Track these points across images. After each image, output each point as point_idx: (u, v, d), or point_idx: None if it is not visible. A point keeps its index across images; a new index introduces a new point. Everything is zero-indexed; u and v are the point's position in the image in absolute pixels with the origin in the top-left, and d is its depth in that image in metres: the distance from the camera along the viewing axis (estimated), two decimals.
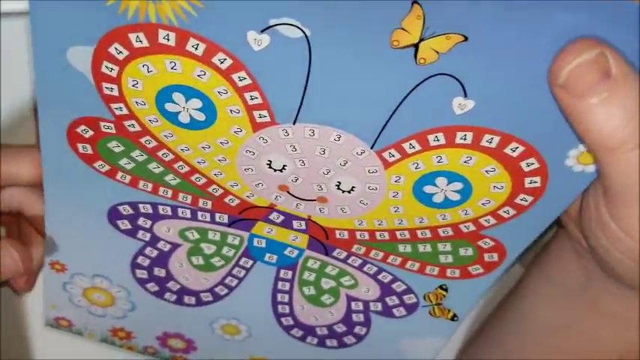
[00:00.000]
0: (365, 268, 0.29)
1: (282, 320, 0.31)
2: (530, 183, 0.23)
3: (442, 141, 0.22)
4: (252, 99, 0.22)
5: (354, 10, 0.18)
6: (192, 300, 0.31)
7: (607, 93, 0.18)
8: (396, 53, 0.19)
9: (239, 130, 0.23)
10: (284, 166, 0.24)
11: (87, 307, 0.32)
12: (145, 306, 0.32)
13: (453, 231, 0.26)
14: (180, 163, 0.25)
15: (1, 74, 0.28)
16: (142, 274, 0.30)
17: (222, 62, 0.20)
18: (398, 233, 0.26)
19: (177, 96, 0.22)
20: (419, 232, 0.26)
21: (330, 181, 0.25)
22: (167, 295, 0.31)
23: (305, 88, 0.21)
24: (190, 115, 0.23)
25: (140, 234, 0.28)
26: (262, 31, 0.20)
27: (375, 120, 0.22)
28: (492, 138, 0.22)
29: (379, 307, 0.30)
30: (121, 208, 0.27)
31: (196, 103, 0.22)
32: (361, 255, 0.28)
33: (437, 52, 0.19)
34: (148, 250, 0.29)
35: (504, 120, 0.21)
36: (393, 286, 0.29)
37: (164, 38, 0.20)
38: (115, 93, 0.22)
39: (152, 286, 0.31)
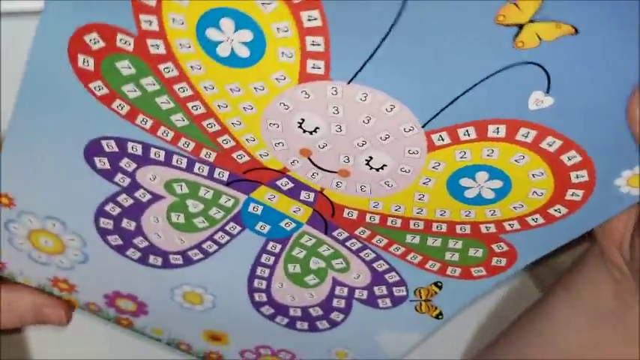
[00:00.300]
0: (362, 254, 0.27)
1: (255, 295, 0.29)
2: (572, 195, 0.22)
3: (502, 134, 0.20)
4: (313, 45, 0.19)
5: None
6: (159, 261, 0.27)
7: None
8: (496, 30, 0.17)
9: (282, 77, 0.20)
10: (316, 128, 0.21)
11: (28, 252, 0.27)
12: (100, 260, 0.27)
13: (472, 230, 0.24)
14: (197, 102, 0.21)
15: (1, 75, 0.26)
16: (107, 224, 0.26)
17: None
18: (412, 222, 0.25)
19: (226, 22, 0.18)
20: (434, 225, 0.25)
21: (360, 155, 0.22)
22: (130, 252, 0.27)
23: (378, 46, 0.18)
24: (232, 49, 0.19)
25: (118, 177, 0.24)
26: None
27: (438, 97, 0.20)
28: (554, 141, 0.20)
29: (364, 295, 0.28)
30: (104, 143, 0.23)
31: (246, 35, 0.19)
32: (363, 239, 0.26)
33: (539, 39, 0.18)
34: (121, 198, 0.25)
35: (574, 125, 0.20)
36: (386, 276, 0.27)
37: None
38: (152, 2, 0.18)
39: (115, 239, 0.27)
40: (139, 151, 0.23)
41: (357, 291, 0.28)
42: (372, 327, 0.29)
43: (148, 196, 0.25)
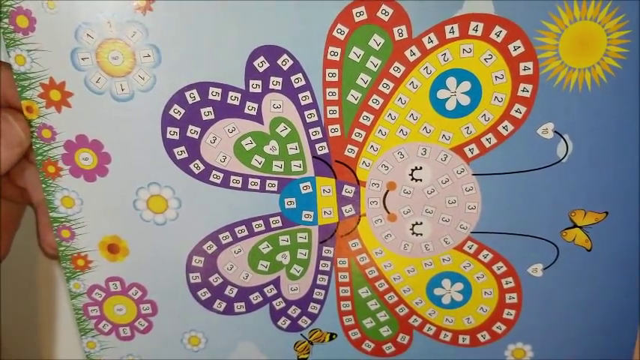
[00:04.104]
0: (320, 276, 0.30)
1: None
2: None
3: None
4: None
5: None
6: None
7: None
8: None
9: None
10: (420, 180, 0.27)
11: None
12: None
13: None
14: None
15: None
16: None
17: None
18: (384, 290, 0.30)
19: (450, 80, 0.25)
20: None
21: (422, 216, 0.28)
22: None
23: None
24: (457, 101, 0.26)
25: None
26: None
27: None
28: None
29: (282, 305, 0.30)
30: None
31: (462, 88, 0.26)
32: (336, 267, 0.29)
33: None
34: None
35: None
36: (311, 305, 0.30)
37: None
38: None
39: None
40: None
41: (278, 299, 0.30)
42: (243, 333, 0.31)
43: None
